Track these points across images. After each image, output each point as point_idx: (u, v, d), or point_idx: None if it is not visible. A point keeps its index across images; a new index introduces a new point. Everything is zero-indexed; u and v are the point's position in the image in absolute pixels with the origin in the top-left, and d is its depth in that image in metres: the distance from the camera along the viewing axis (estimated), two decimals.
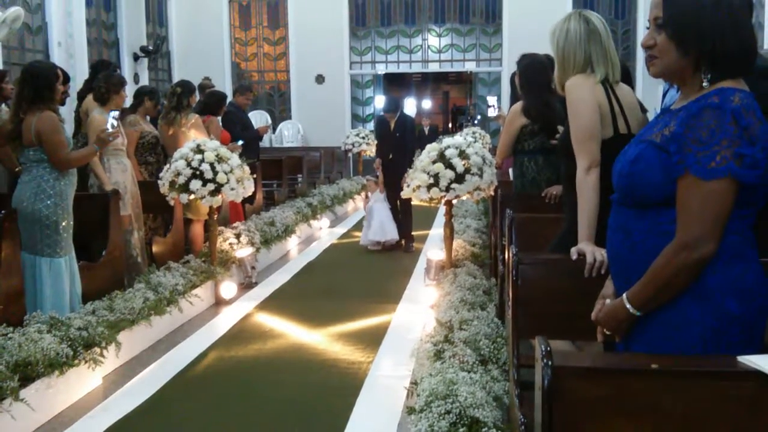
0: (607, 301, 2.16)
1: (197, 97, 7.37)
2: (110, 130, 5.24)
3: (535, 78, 4.91)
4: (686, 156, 1.88)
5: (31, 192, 4.69)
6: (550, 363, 1.70)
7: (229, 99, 8.97)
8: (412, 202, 6.12)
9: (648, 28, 2.02)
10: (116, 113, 5.51)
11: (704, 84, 1.94)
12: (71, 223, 4.85)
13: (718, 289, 1.91)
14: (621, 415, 1.71)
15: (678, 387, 1.71)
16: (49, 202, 4.69)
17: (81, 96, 7.04)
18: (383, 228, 8.49)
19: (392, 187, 8.35)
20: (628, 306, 2.01)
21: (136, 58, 13.92)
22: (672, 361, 1.82)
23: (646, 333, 2.02)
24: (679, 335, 1.95)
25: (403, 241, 8.56)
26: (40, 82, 4.80)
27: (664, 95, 3.40)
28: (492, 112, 5.68)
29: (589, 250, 2.65)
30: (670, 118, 1.98)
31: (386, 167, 8.63)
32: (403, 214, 8.57)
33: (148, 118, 6.99)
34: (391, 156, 8.53)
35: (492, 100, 6.03)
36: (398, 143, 8.50)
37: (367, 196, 9.05)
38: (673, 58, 1.96)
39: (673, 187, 1.92)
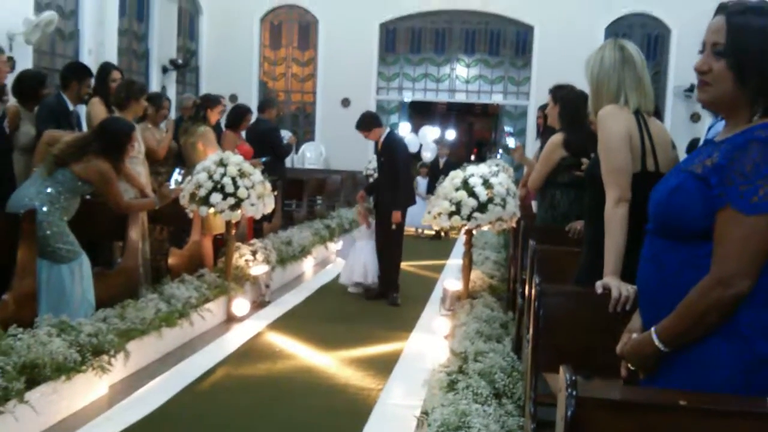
0: (634, 335, 2.08)
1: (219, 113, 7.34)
2: (173, 186, 5.31)
3: (578, 110, 4.62)
4: (728, 189, 1.82)
5: (28, 198, 4.59)
6: (575, 393, 1.63)
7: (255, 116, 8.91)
8: (436, 230, 5.87)
9: (701, 52, 1.94)
10: (181, 170, 5.56)
11: (754, 118, 1.88)
12: (70, 237, 4.72)
13: (751, 329, 1.83)
14: None
15: (705, 425, 1.64)
16: (45, 208, 4.58)
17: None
18: (366, 270, 7.36)
19: (375, 225, 7.34)
20: (656, 341, 1.93)
21: (164, 70, 14.02)
22: (700, 399, 1.74)
23: (673, 370, 1.94)
24: (707, 374, 1.87)
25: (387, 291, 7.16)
26: (112, 145, 4.86)
27: (709, 129, 3.34)
28: (511, 143, 5.46)
29: (614, 284, 2.59)
30: (713, 150, 1.92)
31: (374, 200, 7.42)
32: (388, 258, 7.18)
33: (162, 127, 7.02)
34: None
35: (508, 130, 5.69)
36: (382, 169, 7.24)
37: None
38: (728, 88, 1.90)
39: (711, 220, 1.86)
